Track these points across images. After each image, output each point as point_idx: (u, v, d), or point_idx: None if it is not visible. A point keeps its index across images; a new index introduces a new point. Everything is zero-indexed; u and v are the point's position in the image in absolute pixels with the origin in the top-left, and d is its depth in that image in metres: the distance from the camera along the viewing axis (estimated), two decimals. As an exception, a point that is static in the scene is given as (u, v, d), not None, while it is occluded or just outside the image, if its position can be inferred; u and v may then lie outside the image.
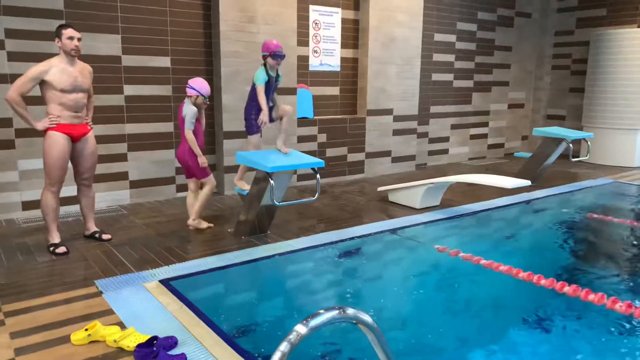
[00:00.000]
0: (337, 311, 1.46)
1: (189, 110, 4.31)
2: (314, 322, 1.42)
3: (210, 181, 4.53)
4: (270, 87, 4.66)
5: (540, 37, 9.84)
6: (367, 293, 3.41)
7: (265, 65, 4.61)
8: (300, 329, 1.41)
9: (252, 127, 4.69)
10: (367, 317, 1.50)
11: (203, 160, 4.38)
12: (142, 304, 3.03)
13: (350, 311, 1.48)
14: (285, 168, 4.01)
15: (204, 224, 4.61)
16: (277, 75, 4.77)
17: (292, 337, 1.41)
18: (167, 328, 2.73)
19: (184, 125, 4.34)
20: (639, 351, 2.60)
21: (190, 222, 4.60)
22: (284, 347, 1.39)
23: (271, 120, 4.74)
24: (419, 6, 7.46)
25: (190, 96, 4.35)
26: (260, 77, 4.55)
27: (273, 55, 4.54)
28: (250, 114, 4.67)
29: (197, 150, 4.35)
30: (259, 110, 4.58)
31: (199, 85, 4.36)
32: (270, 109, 4.74)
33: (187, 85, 4.38)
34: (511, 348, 2.63)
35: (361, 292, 3.41)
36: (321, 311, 1.46)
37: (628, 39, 8.25)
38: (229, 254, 3.93)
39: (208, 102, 4.49)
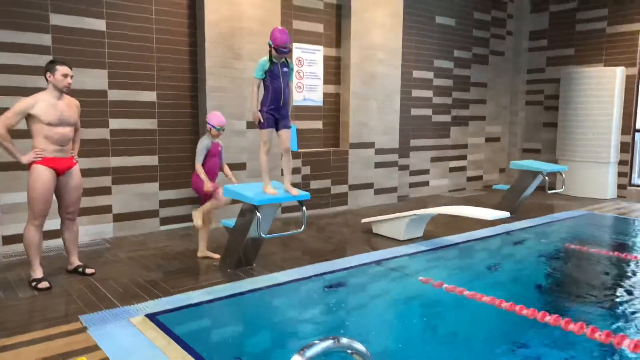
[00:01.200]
0: (331, 341, 1.50)
1: (200, 144, 4.60)
2: (310, 352, 1.46)
3: (216, 198, 4.63)
4: (276, 76, 4.15)
5: (514, 74, 10.24)
6: (354, 325, 3.43)
7: (270, 53, 4.13)
8: (297, 359, 1.45)
9: (260, 122, 4.23)
10: (361, 346, 1.55)
11: (207, 188, 4.53)
12: (129, 339, 3.00)
13: (345, 340, 1.52)
14: (272, 201, 4.06)
15: (211, 255, 4.77)
16: (286, 63, 4.23)
17: (290, 367, 1.44)
18: (155, 363, 2.71)
19: None
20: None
21: (198, 254, 4.82)
22: (281, 377, 1.42)
23: (276, 115, 4.21)
24: (398, 45, 7.74)
25: (207, 130, 4.64)
26: (258, 68, 4.13)
27: (277, 49, 4.05)
28: (261, 108, 4.21)
29: (203, 177, 4.53)
30: (270, 104, 4.17)
31: (209, 117, 4.64)
32: (279, 107, 4.19)
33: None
34: (497, 377, 2.68)
35: (348, 325, 3.43)
36: (316, 341, 1.50)
37: (595, 77, 8.66)
38: (215, 288, 3.92)
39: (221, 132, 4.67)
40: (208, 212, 4.70)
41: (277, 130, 4.28)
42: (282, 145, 4.30)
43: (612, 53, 8.92)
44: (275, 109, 4.19)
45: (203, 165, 4.57)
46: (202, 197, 4.71)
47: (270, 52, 4.11)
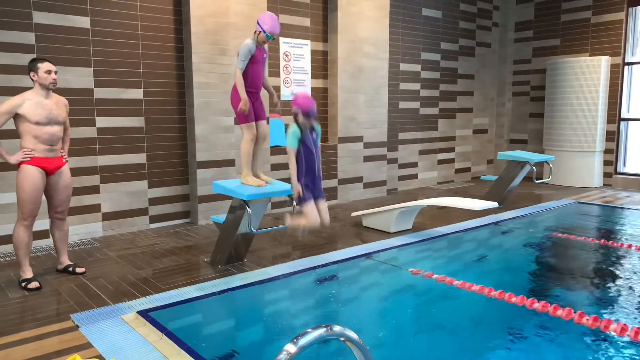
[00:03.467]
0: (324, 329, 1.52)
1: (242, 47, 3.96)
2: (303, 341, 1.48)
3: (248, 129, 4.10)
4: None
5: (500, 65, 10.32)
6: (345, 317, 3.46)
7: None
8: (290, 348, 1.47)
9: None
10: (353, 334, 1.57)
11: (242, 107, 3.97)
12: (121, 336, 3.00)
13: (337, 328, 1.54)
14: (262, 196, 4.07)
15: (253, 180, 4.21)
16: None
17: (282, 356, 1.46)
18: (149, 359, 2.71)
19: None
20: (607, 361, 2.73)
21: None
22: (274, 366, 1.44)
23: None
24: (385, 38, 7.76)
25: (255, 32, 4.02)
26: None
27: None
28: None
29: (242, 93, 3.96)
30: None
31: (263, 20, 3.98)
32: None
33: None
34: (487, 364, 2.73)
35: (340, 317, 3.46)
36: (309, 330, 1.52)
37: (581, 67, 8.76)
38: (206, 283, 3.92)
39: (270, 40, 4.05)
40: (246, 152, 4.15)
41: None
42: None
43: (597, 42, 9.02)
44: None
45: (243, 75, 4.00)
46: (237, 116, 4.15)
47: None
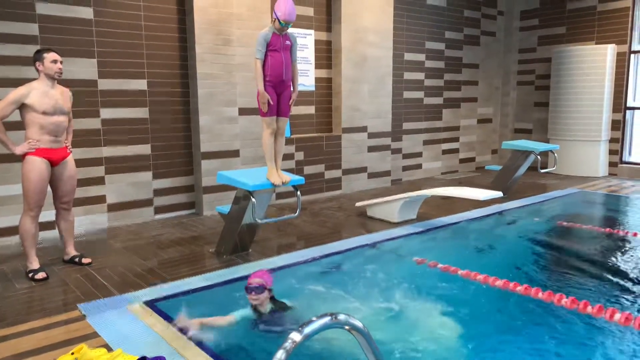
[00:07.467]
0: (329, 317, 1.53)
1: (259, 36, 3.91)
2: (307, 329, 1.49)
3: (265, 123, 4.01)
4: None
5: (505, 54, 10.24)
6: (350, 306, 3.47)
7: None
8: (295, 336, 1.48)
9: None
10: (358, 322, 1.58)
11: (261, 100, 3.91)
12: (128, 326, 3.03)
13: (342, 317, 1.55)
14: (267, 186, 4.07)
15: (276, 178, 4.12)
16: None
17: (288, 344, 1.47)
18: (155, 348, 2.73)
19: None
20: (613, 351, 2.73)
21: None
22: (280, 354, 1.45)
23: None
24: (389, 27, 7.71)
25: (273, 19, 3.96)
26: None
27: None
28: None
29: (259, 85, 3.90)
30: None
31: (277, 7, 3.86)
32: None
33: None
34: (491, 353, 2.73)
35: (345, 306, 3.47)
36: (314, 318, 1.53)
37: (587, 55, 8.68)
38: (212, 274, 3.95)
39: (286, 28, 3.92)
40: (267, 146, 4.09)
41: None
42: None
43: (603, 30, 8.93)
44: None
45: (264, 64, 3.91)
46: (261, 114, 4.05)
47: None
